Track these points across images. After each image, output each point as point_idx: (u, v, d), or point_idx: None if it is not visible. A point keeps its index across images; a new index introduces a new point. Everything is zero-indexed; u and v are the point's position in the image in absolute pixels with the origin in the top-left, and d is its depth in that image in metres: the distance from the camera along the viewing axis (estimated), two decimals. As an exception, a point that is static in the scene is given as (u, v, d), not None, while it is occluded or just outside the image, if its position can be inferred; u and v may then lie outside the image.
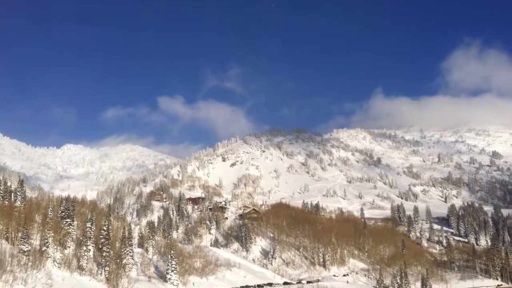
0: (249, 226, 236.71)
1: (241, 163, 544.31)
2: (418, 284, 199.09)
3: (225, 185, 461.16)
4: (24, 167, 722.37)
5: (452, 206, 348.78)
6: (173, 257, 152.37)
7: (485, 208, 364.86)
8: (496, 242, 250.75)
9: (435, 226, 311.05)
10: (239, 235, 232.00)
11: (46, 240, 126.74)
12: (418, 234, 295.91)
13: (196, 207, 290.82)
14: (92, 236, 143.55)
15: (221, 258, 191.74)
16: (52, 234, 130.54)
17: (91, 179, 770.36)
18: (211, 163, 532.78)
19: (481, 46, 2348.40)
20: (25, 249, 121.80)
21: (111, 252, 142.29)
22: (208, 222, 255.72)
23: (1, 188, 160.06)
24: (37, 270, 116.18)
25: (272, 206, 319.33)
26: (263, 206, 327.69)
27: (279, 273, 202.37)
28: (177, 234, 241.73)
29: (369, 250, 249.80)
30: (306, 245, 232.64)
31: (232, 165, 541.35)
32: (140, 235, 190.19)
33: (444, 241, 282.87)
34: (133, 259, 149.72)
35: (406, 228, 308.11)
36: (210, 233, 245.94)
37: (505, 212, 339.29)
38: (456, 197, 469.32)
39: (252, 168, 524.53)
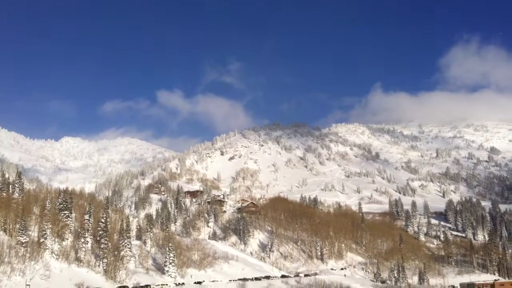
0: (247, 219, 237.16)
1: (239, 157, 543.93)
2: (415, 278, 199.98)
3: (223, 179, 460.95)
4: (22, 159, 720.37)
5: (450, 201, 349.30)
6: (171, 249, 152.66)
7: (483, 203, 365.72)
8: (494, 237, 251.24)
9: (433, 221, 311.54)
10: (237, 228, 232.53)
11: (44, 232, 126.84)
12: (415, 229, 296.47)
13: (194, 200, 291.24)
14: (90, 228, 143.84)
15: (219, 251, 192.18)
16: (50, 226, 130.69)
17: (90, 171, 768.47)
18: (210, 156, 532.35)
19: (480, 42, 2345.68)
20: (23, 241, 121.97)
21: (109, 244, 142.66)
22: (206, 215, 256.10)
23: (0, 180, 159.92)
24: (35, 261, 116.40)
25: (270, 199, 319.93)
26: (261, 200, 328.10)
27: (277, 266, 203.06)
28: (175, 227, 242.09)
29: (367, 244, 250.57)
30: (304, 239, 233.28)
31: (231, 158, 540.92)
32: (138, 227, 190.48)
33: (442, 236, 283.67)
34: (131, 251, 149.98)
35: (404, 223, 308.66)
36: (208, 226, 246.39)
37: (502, 207, 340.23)
38: (454, 192, 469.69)
39: (251, 162, 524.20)
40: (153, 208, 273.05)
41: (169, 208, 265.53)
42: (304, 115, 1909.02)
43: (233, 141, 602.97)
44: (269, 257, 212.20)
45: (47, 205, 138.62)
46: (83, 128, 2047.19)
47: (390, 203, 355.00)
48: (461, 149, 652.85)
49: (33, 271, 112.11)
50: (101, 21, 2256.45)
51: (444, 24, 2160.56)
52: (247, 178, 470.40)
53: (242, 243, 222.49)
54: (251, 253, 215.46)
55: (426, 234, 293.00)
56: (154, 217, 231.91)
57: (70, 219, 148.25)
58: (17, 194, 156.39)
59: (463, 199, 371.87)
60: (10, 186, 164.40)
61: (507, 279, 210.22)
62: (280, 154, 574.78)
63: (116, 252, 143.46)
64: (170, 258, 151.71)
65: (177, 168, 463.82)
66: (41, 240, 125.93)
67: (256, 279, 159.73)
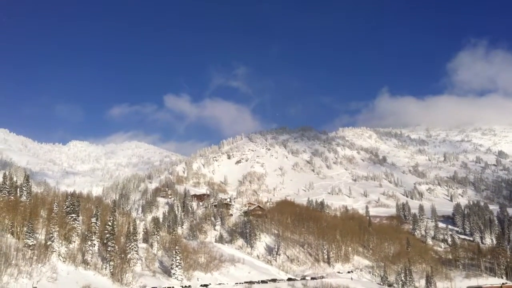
0: (253, 222, 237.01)
1: (246, 161, 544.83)
2: (423, 281, 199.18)
3: (230, 182, 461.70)
4: (30, 163, 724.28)
5: (458, 205, 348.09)
6: (178, 252, 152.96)
7: (491, 207, 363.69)
8: (502, 240, 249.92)
9: (440, 225, 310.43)
10: (244, 231, 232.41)
11: (51, 235, 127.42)
12: (423, 232, 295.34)
13: (201, 203, 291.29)
14: (97, 231, 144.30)
15: (225, 254, 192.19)
16: (57, 228, 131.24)
17: (97, 175, 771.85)
18: (216, 160, 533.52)
19: (487, 46, 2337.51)
20: (30, 243, 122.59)
21: (116, 247, 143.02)
22: (213, 218, 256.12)
23: (7, 183, 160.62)
24: (42, 264, 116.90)
25: (277, 203, 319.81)
26: (268, 203, 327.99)
27: (283, 269, 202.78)
28: (182, 230, 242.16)
29: (374, 247, 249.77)
30: (310, 242, 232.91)
31: (237, 162, 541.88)
32: (145, 230, 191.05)
33: (449, 240, 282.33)
34: (137, 254, 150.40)
35: (411, 226, 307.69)
36: (215, 229, 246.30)
37: (510, 211, 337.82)
38: (462, 196, 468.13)
39: (257, 166, 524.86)
40: (160, 212, 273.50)
41: (176, 212, 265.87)
42: (311, 119, 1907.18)
43: (240, 145, 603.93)
44: (275, 260, 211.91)
45: (55, 208, 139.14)
46: (90, 132, 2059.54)
47: (398, 207, 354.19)
48: (468, 153, 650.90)
49: (40, 273, 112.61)
50: (109, 25, 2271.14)
51: (452, 29, 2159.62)
52: (254, 182, 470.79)
53: (249, 246, 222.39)
54: (257, 256, 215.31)
55: (433, 238, 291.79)
56: (161, 220, 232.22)
57: (77, 222, 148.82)
58: (24, 197, 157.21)
59: (471, 203, 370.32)
60: (18, 189, 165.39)
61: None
62: (287, 158, 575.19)
63: (122, 255, 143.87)
64: (177, 261, 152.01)
65: (184, 172, 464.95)
66: (48, 243, 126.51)
67: (263, 282, 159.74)
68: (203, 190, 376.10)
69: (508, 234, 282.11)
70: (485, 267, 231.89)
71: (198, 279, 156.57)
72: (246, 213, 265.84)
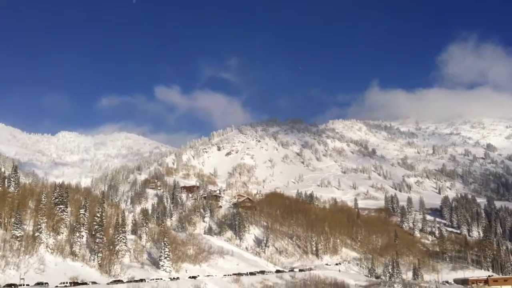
0: (243, 214, 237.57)
1: (236, 153, 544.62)
2: (410, 274, 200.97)
3: (219, 174, 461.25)
4: (18, 154, 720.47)
5: (446, 198, 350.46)
6: (166, 244, 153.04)
7: (478, 200, 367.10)
8: (488, 233, 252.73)
9: (428, 217, 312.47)
10: (233, 223, 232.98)
11: (39, 226, 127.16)
12: (411, 225, 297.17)
13: (190, 195, 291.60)
14: (85, 223, 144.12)
15: (214, 246, 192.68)
16: (45, 220, 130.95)
17: (86, 166, 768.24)
18: (206, 152, 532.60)
19: (477, 40, 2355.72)
20: (18, 235, 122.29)
21: (104, 238, 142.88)
22: (202, 210, 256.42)
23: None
24: (30, 255, 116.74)
25: (266, 195, 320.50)
26: (257, 195, 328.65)
27: (271, 261, 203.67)
28: (171, 222, 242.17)
29: (362, 239, 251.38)
30: (299, 234, 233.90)
31: (227, 154, 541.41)
32: (133, 222, 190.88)
33: (437, 232, 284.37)
34: (126, 246, 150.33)
35: (399, 219, 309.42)
36: (204, 221, 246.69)
37: (498, 204, 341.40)
38: (450, 188, 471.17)
39: (247, 158, 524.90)
40: (149, 203, 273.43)
41: (165, 203, 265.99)
42: (301, 111, 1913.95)
43: (230, 136, 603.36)
44: (264, 252, 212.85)
45: (43, 199, 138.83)
46: (80, 122, 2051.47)
47: (386, 199, 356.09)
48: (457, 146, 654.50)
49: (28, 265, 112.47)
50: (99, 15, 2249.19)
51: (442, 22, 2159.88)
52: (244, 174, 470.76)
53: (238, 238, 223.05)
54: (246, 248, 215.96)
55: (421, 230, 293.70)
56: (150, 212, 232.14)
57: (66, 213, 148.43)
58: (12, 188, 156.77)
59: (459, 196, 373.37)
60: (6, 180, 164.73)
61: (501, 275, 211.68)
62: (277, 150, 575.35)
63: (111, 247, 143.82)
64: (165, 253, 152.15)
65: (173, 163, 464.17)
66: (36, 234, 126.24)
67: (251, 274, 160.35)
68: (192, 182, 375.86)
69: (495, 227, 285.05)
70: (471, 259, 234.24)
71: (186, 271, 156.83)
72: (235, 205, 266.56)
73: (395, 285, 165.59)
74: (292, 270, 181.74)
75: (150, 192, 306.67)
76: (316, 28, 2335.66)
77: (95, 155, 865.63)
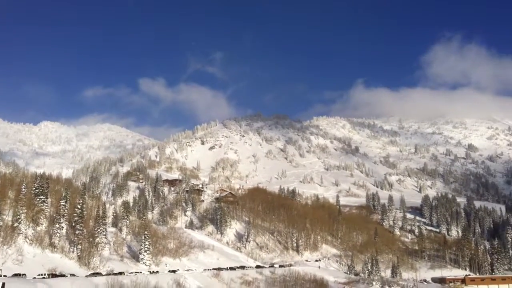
0: (225, 209, 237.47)
1: (220, 147, 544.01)
2: (388, 271, 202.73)
3: (202, 168, 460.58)
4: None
5: (426, 197, 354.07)
6: (147, 237, 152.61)
7: (458, 199, 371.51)
8: (467, 233, 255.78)
9: (408, 215, 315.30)
10: (215, 218, 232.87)
11: (19, 216, 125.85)
12: (391, 223, 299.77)
13: (172, 189, 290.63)
14: (65, 214, 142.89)
15: (195, 240, 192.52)
16: (25, 210, 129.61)
17: (68, 157, 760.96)
18: (190, 145, 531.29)
19: (461, 41, 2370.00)
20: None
21: (84, 230, 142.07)
22: (184, 204, 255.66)
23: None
24: (8, 246, 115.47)
25: (249, 190, 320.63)
26: (240, 190, 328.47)
27: (252, 256, 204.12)
28: (152, 215, 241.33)
29: (342, 236, 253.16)
30: (280, 230, 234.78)
31: (211, 148, 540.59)
32: (114, 214, 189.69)
33: (416, 230, 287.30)
34: (106, 238, 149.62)
35: (380, 216, 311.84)
36: (185, 215, 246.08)
37: (477, 204, 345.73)
38: (431, 187, 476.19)
39: (231, 152, 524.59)
40: (130, 196, 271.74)
41: (147, 196, 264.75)
42: (286, 107, 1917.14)
43: (214, 130, 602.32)
44: (245, 247, 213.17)
45: (23, 190, 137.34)
46: (63, 113, 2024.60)
47: (367, 197, 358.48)
48: (439, 145, 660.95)
49: (6, 255, 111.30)
50: (84, 6, 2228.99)
51: (427, 22, 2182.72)
52: (227, 168, 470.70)
53: (219, 232, 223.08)
54: (227, 243, 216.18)
55: (401, 228, 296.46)
56: (131, 204, 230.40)
57: (46, 204, 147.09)
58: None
59: (439, 195, 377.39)
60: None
61: (478, 274, 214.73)
62: (260, 145, 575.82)
63: (91, 239, 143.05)
64: (146, 246, 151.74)
65: (156, 156, 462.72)
66: (15, 224, 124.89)
67: (231, 268, 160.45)
68: (175, 175, 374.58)
69: (473, 227, 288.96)
70: (450, 258, 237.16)
71: (166, 264, 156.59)
72: (217, 200, 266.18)
73: (374, 283, 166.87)
74: (272, 265, 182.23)
75: (132, 184, 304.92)
76: (303, 25, 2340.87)
77: (77, 146, 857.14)
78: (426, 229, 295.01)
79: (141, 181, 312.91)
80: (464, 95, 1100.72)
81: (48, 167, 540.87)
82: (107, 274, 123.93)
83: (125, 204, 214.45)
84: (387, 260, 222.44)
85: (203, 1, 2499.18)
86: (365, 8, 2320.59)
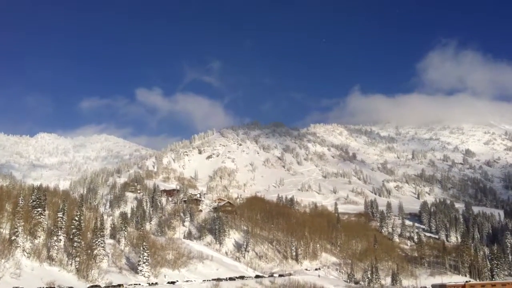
0: (223, 219, 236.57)
1: (217, 156, 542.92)
2: (388, 279, 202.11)
3: (200, 178, 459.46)
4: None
5: (424, 203, 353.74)
6: (145, 248, 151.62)
7: (457, 205, 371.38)
8: (466, 239, 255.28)
9: (407, 222, 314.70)
10: (213, 227, 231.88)
11: (16, 229, 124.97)
12: (390, 230, 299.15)
13: (170, 199, 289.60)
14: (63, 226, 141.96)
15: (194, 251, 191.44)
16: (22, 223, 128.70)
17: (65, 168, 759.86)
18: (187, 155, 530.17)
19: (456, 46, 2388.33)
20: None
21: (82, 242, 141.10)
22: (182, 214, 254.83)
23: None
24: (6, 259, 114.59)
25: (247, 199, 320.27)
26: (238, 199, 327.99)
27: (251, 266, 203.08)
28: (150, 226, 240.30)
29: (342, 244, 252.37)
30: (279, 239, 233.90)
31: (208, 157, 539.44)
32: (112, 226, 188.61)
33: (416, 237, 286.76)
34: (104, 250, 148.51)
35: (378, 224, 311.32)
36: (183, 225, 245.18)
37: (476, 209, 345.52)
38: (429, 193, 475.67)
39: (228, 161, 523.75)
40: (128, 207, 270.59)
41: (145, 207, 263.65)
42: (283, 115, 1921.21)
43: (211, 139, 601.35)
44: (244, 257, 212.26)
45: (20, 202, 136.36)
46: (60, 124, 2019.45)
47: (366, 204, 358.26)
48: (436, 151, 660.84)
49: (3, 269, 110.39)
50: (80, 17, 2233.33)
51: (422, 29, 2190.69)
52: (225, 177, 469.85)
53: (218, 242, 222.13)
54: (226, 253, 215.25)
55: (400, 235, 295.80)
56: (129, 215, 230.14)
57: (43, 216, 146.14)
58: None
59: (437, 201, 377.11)
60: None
61: (478, 280, 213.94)
62: (258, 153, 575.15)
63: (89, 251, 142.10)
64: (144, 258, 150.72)
65: (153, 166, 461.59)
66: (13, 237, 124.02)
67: (230, 279, 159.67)
68: (173, 185, 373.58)
69: (472, 233, 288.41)
70: (449, 265, 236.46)
71: (165, 276, 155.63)
72: (215, 209, 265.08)
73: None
74: (271, 275, 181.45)
75: (130, 195, 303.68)
76: (300, 33, 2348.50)
77: (74, 157, 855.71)
78: (425, 235, 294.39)
79: (138, 191, 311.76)
80: (460, 100, 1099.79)
81: (45, 179, 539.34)
82: (106, 287, 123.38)
83: (123, 215, 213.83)
84: (387, 267, 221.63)
85: (200, 10, 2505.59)
86: (361, 16, 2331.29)
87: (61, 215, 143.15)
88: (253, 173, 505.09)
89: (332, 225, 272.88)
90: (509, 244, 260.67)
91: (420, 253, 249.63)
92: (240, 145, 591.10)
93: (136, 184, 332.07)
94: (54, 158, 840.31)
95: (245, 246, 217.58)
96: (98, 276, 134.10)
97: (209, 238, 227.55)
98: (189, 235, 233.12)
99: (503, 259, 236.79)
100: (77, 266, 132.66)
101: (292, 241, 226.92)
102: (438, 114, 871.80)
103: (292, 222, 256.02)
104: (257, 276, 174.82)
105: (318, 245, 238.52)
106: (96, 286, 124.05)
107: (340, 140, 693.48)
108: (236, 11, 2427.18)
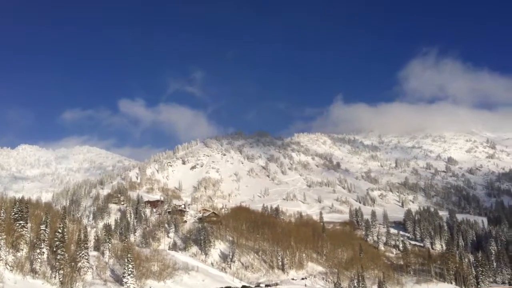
0: (208, 229, 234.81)
1: (201, 166, 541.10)
2: (375, 287, 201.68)
3: (184, 188, 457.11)
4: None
5: (409, 211, 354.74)
6: (130, 260, 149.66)
7: (440, 213, 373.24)
8: (451, 246, 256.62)
9: (392, 230, 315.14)
10: (198, 238, 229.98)
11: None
12: (375, 238, 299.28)
13: (154, 210, 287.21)
14: (46, 239, 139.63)
15: (179, 262, 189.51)
16: (5, 236, 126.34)
17: (47, 180, 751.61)
18: (171, 165, 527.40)
19: (437, 55, 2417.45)
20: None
21: (66, 255, 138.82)
22: (166, 225, 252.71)
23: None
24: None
25: (232, 209, 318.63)
26: (223, 210, 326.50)
27: (237, 276, 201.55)
28: (135, 238, 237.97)
29: (327, 253, 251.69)
30: (265, 249, 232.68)
31: (192, 168, 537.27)
32: (96, 238, 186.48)
33: (401, 245, 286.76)
34: (88, 263, 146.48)
35: (363, 232, 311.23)
36: (168, 236, 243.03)
37: (459, 217, 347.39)
38: (413, 202, 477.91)
39: (213, 171, 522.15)
40: (112, 218, 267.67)
41: (128, 218, 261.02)
42: (267, 125, 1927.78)
43: (195, 150, 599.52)
44: (230, 267, 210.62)
45: (2, 215, 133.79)
46: (41, 136, 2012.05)
47: (351, 213, 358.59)
48: (419, 159, 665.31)
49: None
50: (62, 28, 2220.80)
51: (404, 37, 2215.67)
52: (209, 188, 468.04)
53: (203, 253, 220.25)
54: (211, 263, 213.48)
55: (385, 244, 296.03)
56: (113, 227, 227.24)
57: (26, 229, 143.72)
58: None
59: (421, 209, 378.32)
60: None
61: (463, 287, 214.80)
62: (242, 163, 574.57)
63: (73, 264, 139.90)
64: (129, 269, 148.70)
65: (137, 177, 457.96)
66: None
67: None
68: (157, 196, 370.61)
69: (457, 240, 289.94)
70: (435, 272, 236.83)
71: (150, 287, 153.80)
72: (200, 220, 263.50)
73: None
74: (258, 285, 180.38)
75: (113, 207, 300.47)
76: (283, 43, 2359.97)
77: (56, 169, 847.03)
78: (410, 243, 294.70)
79: (122, 203, 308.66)
80: (441, 109, 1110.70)
81: (27, 191, 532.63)
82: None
83: (107, 227, 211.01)
84: (373, 276, 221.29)
85: (182, 21, 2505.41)
86: (343, 25, 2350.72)
87: (44, 228, 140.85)
88: (238, 183, 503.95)
89: (317, 234, 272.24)
90: (493, 251, 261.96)
91: (406, 261, 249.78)
92: (224, 155, 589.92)
93: (119, 195, 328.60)
94: (36, 170, 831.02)
95: (230, 257, 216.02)
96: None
97: (194, 249, 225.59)
98: (174, 246, 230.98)
99: (488, 266, 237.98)
100: (61, 279, 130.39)
101: (278, 250, 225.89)
102: (420, 123, 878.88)
103: (278, 232, 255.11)
104: (243, 287, 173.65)
105: (304, 255, 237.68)
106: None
107: (324, 149, 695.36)
108: (218, 22, 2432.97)
